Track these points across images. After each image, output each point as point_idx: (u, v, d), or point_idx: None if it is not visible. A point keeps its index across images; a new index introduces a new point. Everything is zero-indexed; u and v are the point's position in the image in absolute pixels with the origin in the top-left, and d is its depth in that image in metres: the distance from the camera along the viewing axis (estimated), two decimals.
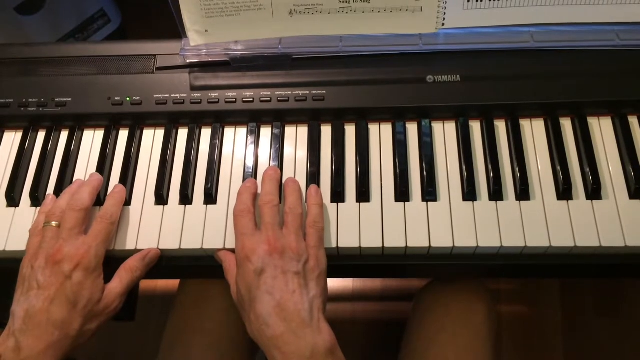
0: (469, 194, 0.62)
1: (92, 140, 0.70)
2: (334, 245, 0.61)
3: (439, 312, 0.73)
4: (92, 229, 0.60)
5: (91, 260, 0.57)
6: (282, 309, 0.52)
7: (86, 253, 0.57)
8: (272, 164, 0.66)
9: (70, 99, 0.69)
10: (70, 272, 0.56)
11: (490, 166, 0.64)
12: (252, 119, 0.69)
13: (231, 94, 0.68)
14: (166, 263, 0.63)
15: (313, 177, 0.64)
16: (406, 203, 0.62)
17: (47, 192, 0.66)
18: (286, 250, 0.55)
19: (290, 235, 0.57)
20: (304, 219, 0.60)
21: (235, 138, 0.68)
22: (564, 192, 0.62)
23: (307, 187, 0.63)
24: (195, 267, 0.64)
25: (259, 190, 0.62)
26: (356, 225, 0.62)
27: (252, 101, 0.67)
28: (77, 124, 0.70)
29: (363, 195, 0.63)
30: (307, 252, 0.56)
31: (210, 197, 0.64)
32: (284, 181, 0.63)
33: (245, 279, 0.55)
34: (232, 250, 0.60)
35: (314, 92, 0.67)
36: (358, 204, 0.63)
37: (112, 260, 0.61)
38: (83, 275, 0.56)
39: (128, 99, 0.69)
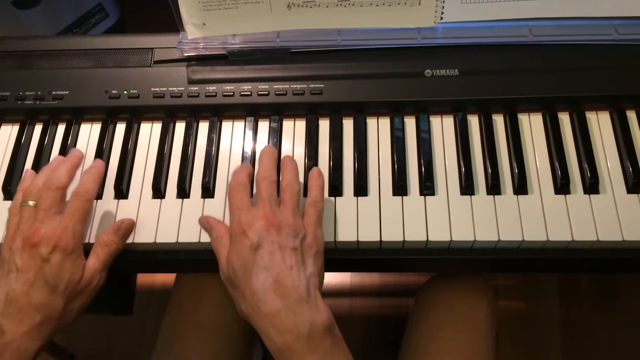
0: (467, 188, 0.62)
1: (89, 133, 0.69)
2: (331, 239, 0.61)
3: (442, 308, 0.73)
4: (67, 207, 0.58)
5: (69, 242, 0.56)
6: (279, 285, 0.51)
7: (62, 234, 0.56)
8: None
9: (67, 92, 0.69)
10: (48, 255, 0.55)
11: (488, 160, 0.64)
12: (250, 112, 0.69)
13: (229, 87, 0.68)
14: (163, 257, 0.63)
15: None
16: (404, 197, 0.62)
17: (26, 168, 0.65)
18: (283, 225, 0.54)
19: (287, 211, 0.56)
20: (301, 197, 0.59)
21: (232, 132, 0.68)
22: (562, 186, 0.62)
23: (305, 180, 0.63)
24: (193, 261, 0.64)
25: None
26: (354, 219, 0.61)
27: (250, 95, 0.67)
28: (74, 117, 0.70)
29: (361, 189, 0.63)
30: (304, 229, 0.56)
31: (208, 191, 0.64)
32: (281, 158, 0.62)
33: (240, 254, 0.54)
34: None
35: (312, 85, 0.67)
36: (356, 197, 0.63)
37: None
38: (61, 257, 0.55)
39: (125, 92, 0.68)
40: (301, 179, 0.64)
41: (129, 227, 0.61)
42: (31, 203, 0.58)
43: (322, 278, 0.56)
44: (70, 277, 0.56)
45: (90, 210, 0.60)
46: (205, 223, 0.60)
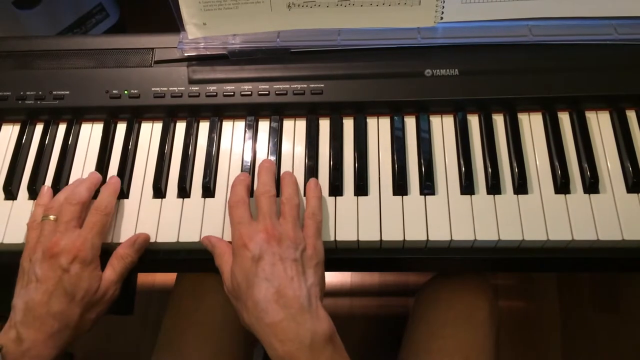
0: (467, 187, 0.62)
1: (90, 133, 0.70)
2: (331, 238, 0.61)
3: (442, 307, 0.73)
4: (87, 221, 0.60)
5: (87, 253, 0.57)
6: (281, 296, 0.52)
7: (82, 245, 0.57)
8: (270, 157, 0.66)
9: (68, 92, 0.69)
10: (68, 265, 0.56)
11: (488, 160, 0.64)
12: (250, 112, 0.69)
13: (229, 87, 0.68)
14: (163, 256, 0.64)
15: (311, 170, 0.64)
16: (404, 197, 0.63)
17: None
18: (283, 237, 0.55)
19: (287, 224, 0.57)
20: (301, 210, 0.60)
21: (233, 131, 0.68)
22: (562, 186, 0.62)
23: (305, 180, 0.64)
24: (193, 261, 0.64)
25: (253, 185, 0.62)
26: (354, 219, 0.62)
27: (250, 95, 0.67)
28: (75, 117, 0.70)
29: (361, 188, 0.63)
30: (304, 241, 0.57)
31: (208, 191, 0.64)
32: (280, 174, 0.63)
33: (242, 267, 0.55)
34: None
35: (312, 85, 0.67)
36: (356, 197, 0.63)
37: (110, 254, 0.61)
38: (80, 268, 0.57)
39: (126, 92, 0.68)
40: (301, 180, 0.64)
41: (145, 241, 0.62)
42: (52, 217, 0.59)
43: (323, 288, 0.57)
44: (87, 287, 0.57)
45: (108, 224, 0.62)
46: (208, 242, 0.61)
